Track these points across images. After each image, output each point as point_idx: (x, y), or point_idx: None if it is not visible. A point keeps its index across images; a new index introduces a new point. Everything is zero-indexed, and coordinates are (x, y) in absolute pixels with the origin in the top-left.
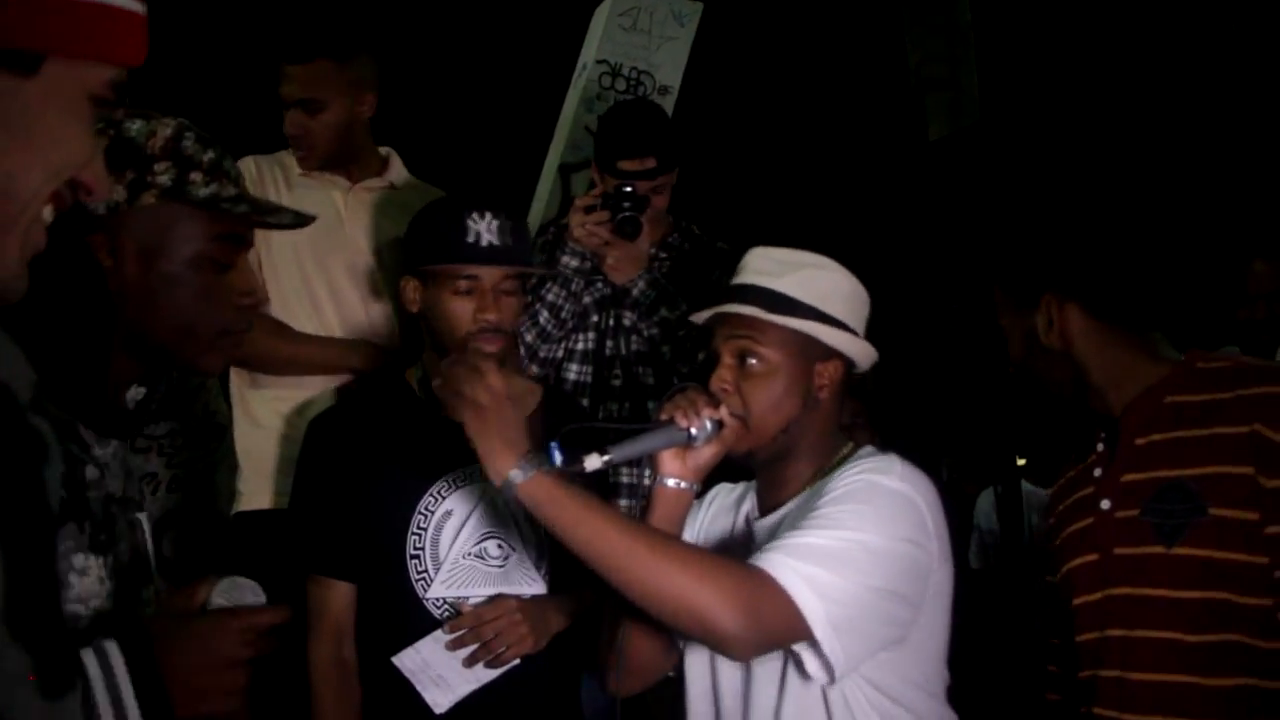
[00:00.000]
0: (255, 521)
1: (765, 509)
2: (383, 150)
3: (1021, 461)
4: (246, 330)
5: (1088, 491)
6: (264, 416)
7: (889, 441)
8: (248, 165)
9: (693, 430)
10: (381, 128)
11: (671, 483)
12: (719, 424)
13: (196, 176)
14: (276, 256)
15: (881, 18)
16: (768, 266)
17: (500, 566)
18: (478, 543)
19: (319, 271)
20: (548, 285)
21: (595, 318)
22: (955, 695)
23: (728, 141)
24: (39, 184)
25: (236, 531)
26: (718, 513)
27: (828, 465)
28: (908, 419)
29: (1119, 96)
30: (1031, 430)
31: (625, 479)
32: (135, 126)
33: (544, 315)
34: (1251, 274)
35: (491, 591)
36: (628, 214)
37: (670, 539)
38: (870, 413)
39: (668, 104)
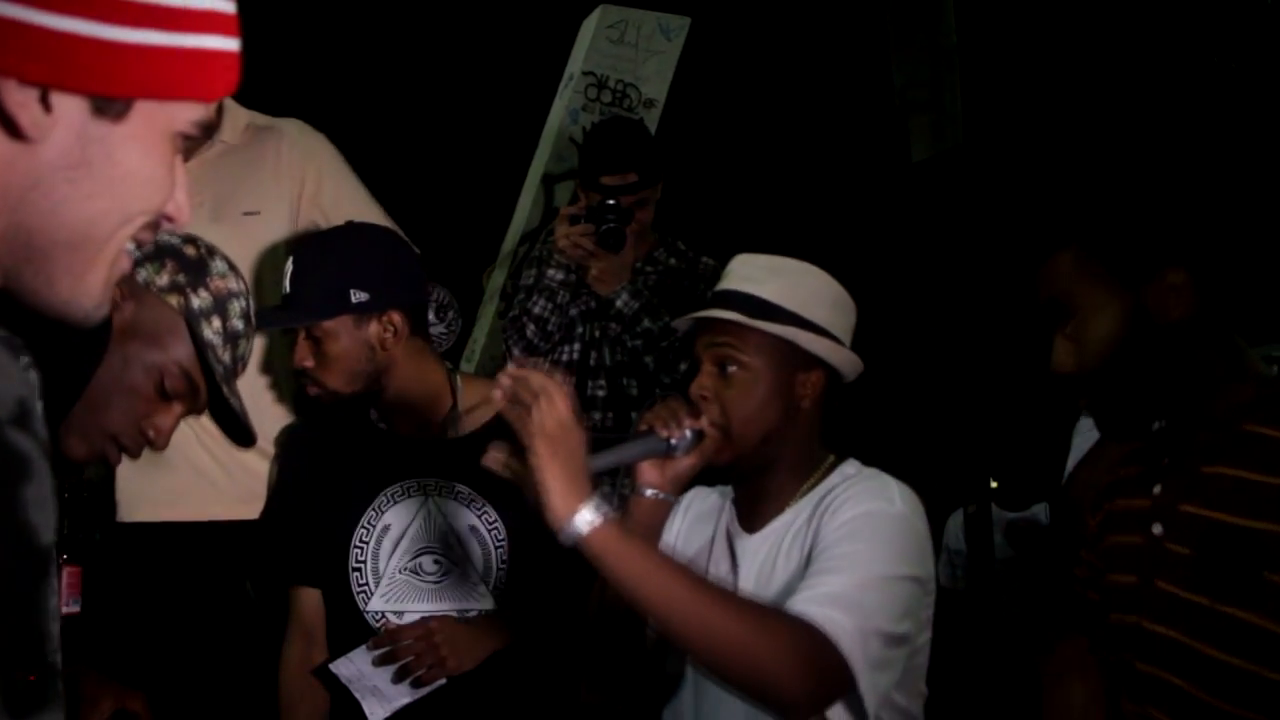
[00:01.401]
0: (140, 532)
1: (749, 524)
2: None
3: (994, 484)
4: (119, 457)
5: (1141, 504)
6: None
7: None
8: None
9: (672, 440)
10: (370, 136)
11: (650, 493)
12: (699, 434)
13: (217, 323)
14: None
15: (866, 40)
16: (751, 272)
17: (437, 582)
18: (413, 558)
19: None
20: (534, 299)
21: (581, 329)
22: (929, 710)
23: (712, 158)
24: (123, 225)
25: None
26: (695, 521)
27: (810, 479)
28: (887, 436)
29: (1103, 119)
30: (1002, 453)
31: (606, 489)
32: (219, 265)
33: (530, 329)
34: None
35: (428, 607)
36: (612, 226)
37: (730, 595)
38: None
39: (653, 117)
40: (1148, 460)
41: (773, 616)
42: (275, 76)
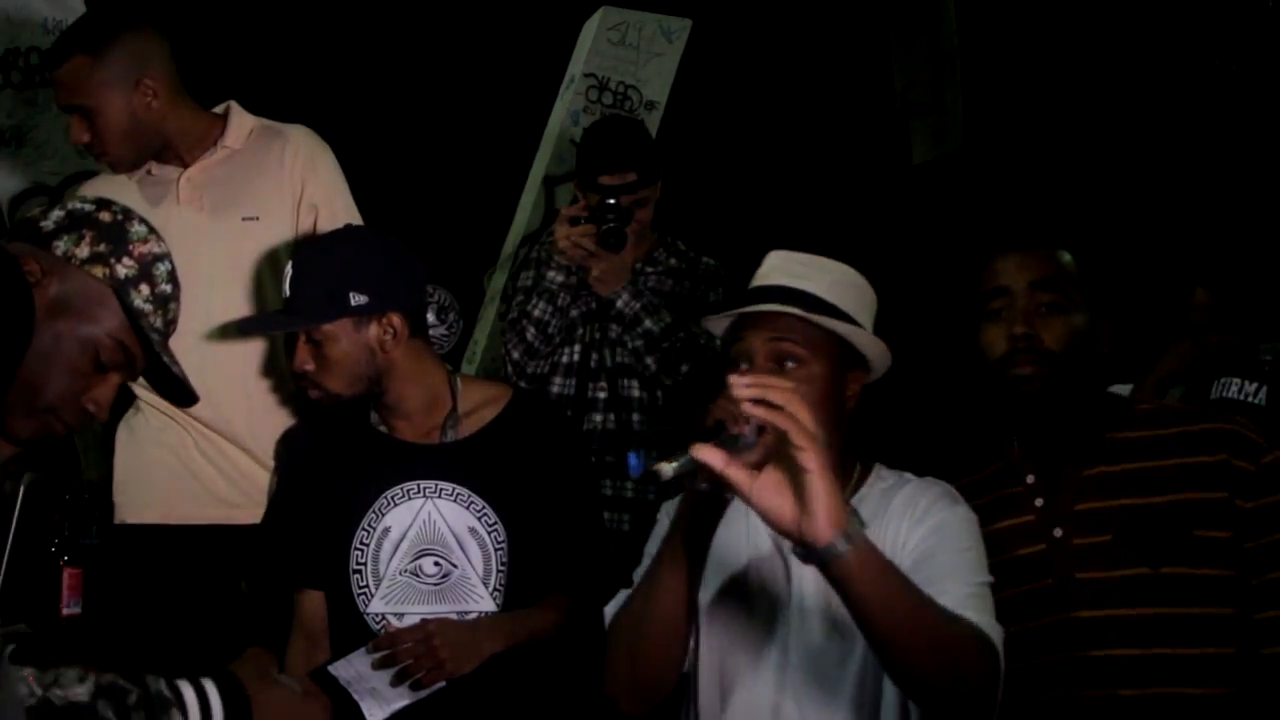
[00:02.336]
0: (137, 535)
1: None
2: (219, 109)
3: None
4: (64, 430)
5: (1026, 520)
6: (139, 427)
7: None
8: (100, 180)
9: (745, 436)
10: (371, 138)
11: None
12: (760, 429)
13: (145, 290)
14: None
15: (867, 42)
16: (795, 269)
17: (436, 584)
18: (414, 560)
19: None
20: (533, 301)
21: (581, 330)
22: None
23: (713, 160)
24: None
25: (119, 542)
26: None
27: (849, 484)
28: (892, 436)
29: (1105, 122)
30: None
31: (607, 491)
32: (138, 229)
33: (530, 331)
34: (1193, 302)
35: (429, 608)
36: (612, 225)
37: (929, 598)
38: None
39: (654, 119)
40: (985, 490)
41: (965, 622)
42: (279, 79)
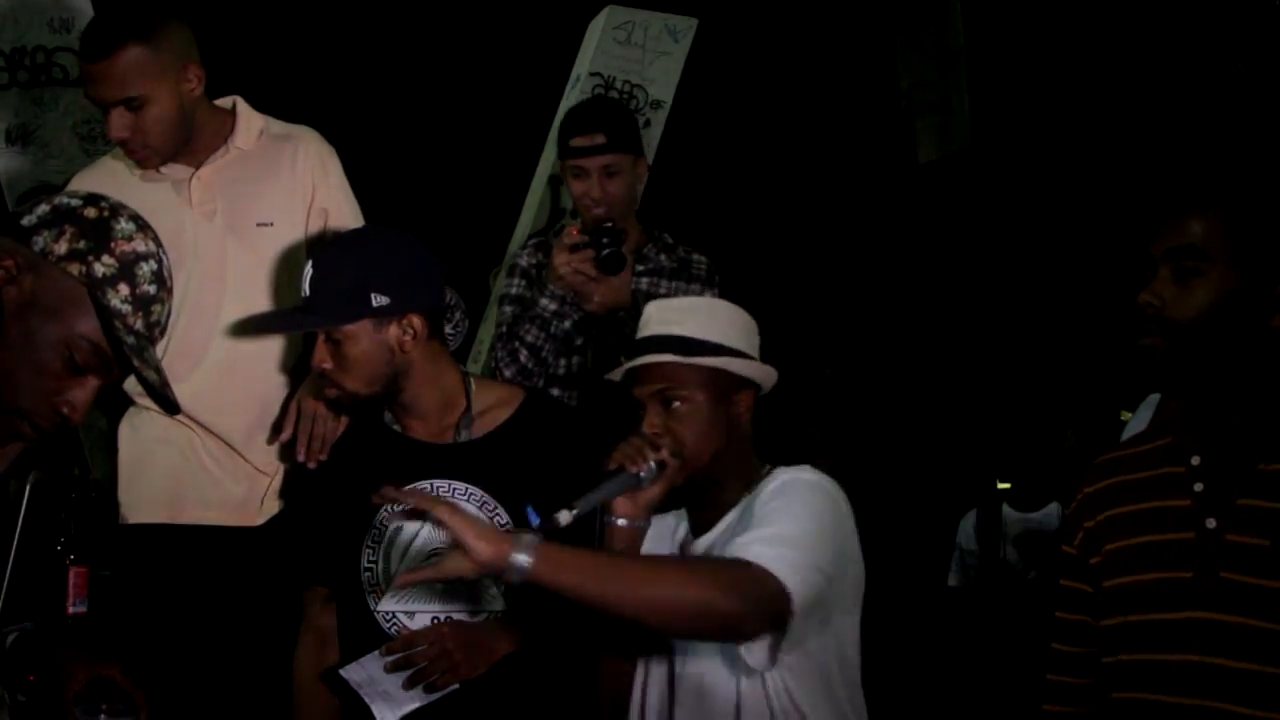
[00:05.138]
0: (144, 534)
1: (699, 530)
2: (224, 104)
3: (1004, 485)
4: (35, 433)
5: (1179, 504)
6: (143, 425)
7: (854, 461)
8: (99, 167)
9: (641, 474)
10: (377, 137)
11: (623, 522)
12: (661, 464)
13: (124, 290)
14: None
15: (873, 41)
16: (669, 316)
17: (447, 584)
18: (424, 559)
19: (178, 277)
20: (525, 326)
21: (579, 341)
22: (940, 707)
23: (719, 159)
24: None
25: (126, 542)
26: (653, 541)
27: (753, 484)
28: (896, 437)
29: (1111, 121)
30: (1012, 454)
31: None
32: (124, 226)
33: (524, 354)
34: None
35: (439, 607)
36: (610, 250)
37: (666, 558)
38: (835, 433)
39: (660, 118)
40: (1146, 464)
41: (704, 561)
42: (285, 80)
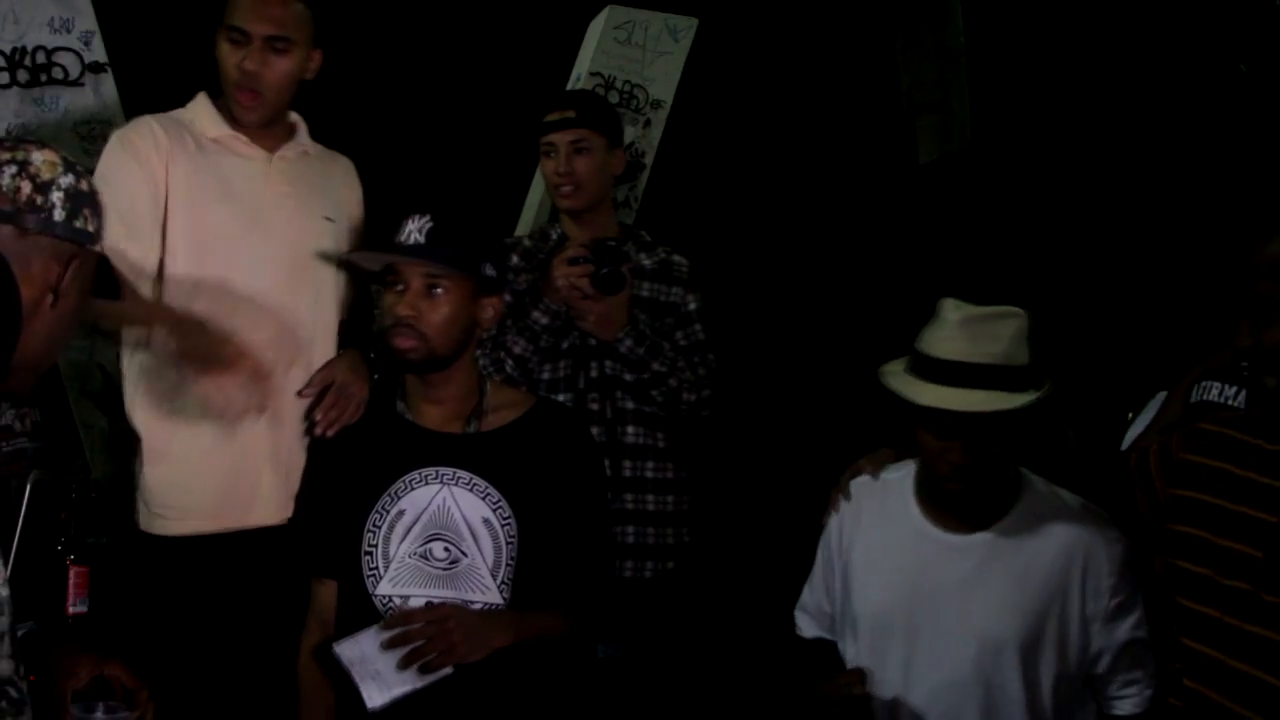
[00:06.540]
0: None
1: (955, 526)
2: (291, 116)
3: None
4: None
5: (1265, 480)
6: (189, 439)
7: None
8: (149, 126)
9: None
10: (376, 135)
11: None
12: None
13: (87, 214)
14: (200, 236)
15: (874, 41)
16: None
17: (445, 570)
18: (424, 543)
19: (249, 254)
20: (513, 338)
21: (566, 344)
22: None
23: (719, 158)
24: None
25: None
26: (873, 521)
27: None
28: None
29: (1113, 121)
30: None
31: (627, 473)
32: (36, 157)
33: (509, 364)
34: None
35: (436, 593)
36: (610, 270)
37: None
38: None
39: (661, 118)
40: (1240, 428)
41: None
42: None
